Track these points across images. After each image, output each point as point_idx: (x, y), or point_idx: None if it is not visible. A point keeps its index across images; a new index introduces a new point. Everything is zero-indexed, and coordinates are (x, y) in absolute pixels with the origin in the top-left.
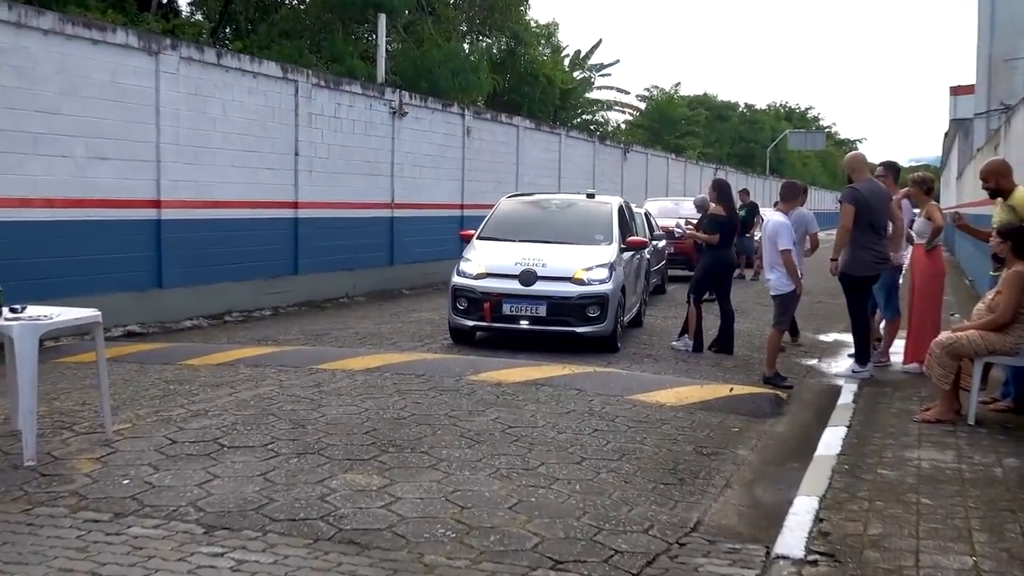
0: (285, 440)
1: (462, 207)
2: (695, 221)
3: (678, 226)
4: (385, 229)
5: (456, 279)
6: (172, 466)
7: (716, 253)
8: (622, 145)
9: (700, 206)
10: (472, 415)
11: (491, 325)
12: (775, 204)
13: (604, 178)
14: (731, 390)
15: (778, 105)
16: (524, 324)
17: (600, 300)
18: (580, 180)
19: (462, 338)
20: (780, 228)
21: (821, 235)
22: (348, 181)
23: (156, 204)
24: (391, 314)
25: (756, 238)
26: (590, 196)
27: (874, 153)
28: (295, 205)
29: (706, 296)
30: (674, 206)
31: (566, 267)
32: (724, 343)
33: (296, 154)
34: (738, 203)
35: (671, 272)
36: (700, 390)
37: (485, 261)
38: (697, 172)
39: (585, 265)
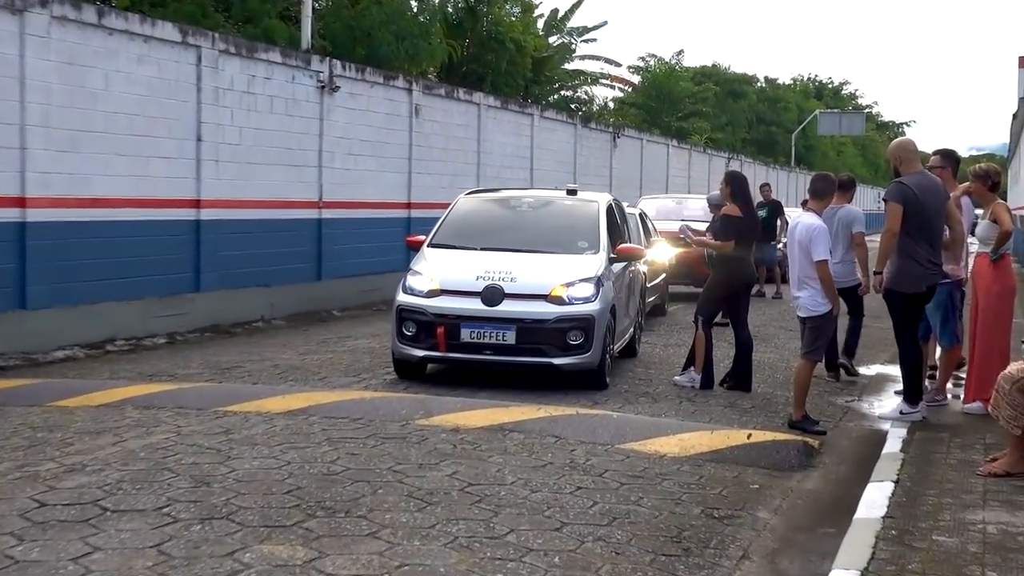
0: (185, 502)
1: (409, 206)
2: (704, 224)
3: (682, 231)
4: (311, 234)
5: (402, 297)
6: (41, 536)
7: (730, 264)
8: (611, 128)
9: (715, 205)
10: (423, 469)
11: (446, 356)
12: (803, 203)
13: (588, 170)
14: (749, 437)
15: (806, 79)
16: (488, 354)
17: (584, 324)
18: (558, 172)
19: (409, 372)
20: (814, 233)
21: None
22: (265, 173)
23: (19, 202)
24: (319, 342)
25: (780, 245)
26: (571, 193)
27: (926, 140)
28: (197, 204)
29: (718, 319)
30: (677, 205)
31: (541, 282)
32: (740, 378)
33: (199, 139)
34: (758, 201)
35: (673, 288)
36: (710, 437)
37: (439, 275)
38: (704, 162)
39: (565, 279)
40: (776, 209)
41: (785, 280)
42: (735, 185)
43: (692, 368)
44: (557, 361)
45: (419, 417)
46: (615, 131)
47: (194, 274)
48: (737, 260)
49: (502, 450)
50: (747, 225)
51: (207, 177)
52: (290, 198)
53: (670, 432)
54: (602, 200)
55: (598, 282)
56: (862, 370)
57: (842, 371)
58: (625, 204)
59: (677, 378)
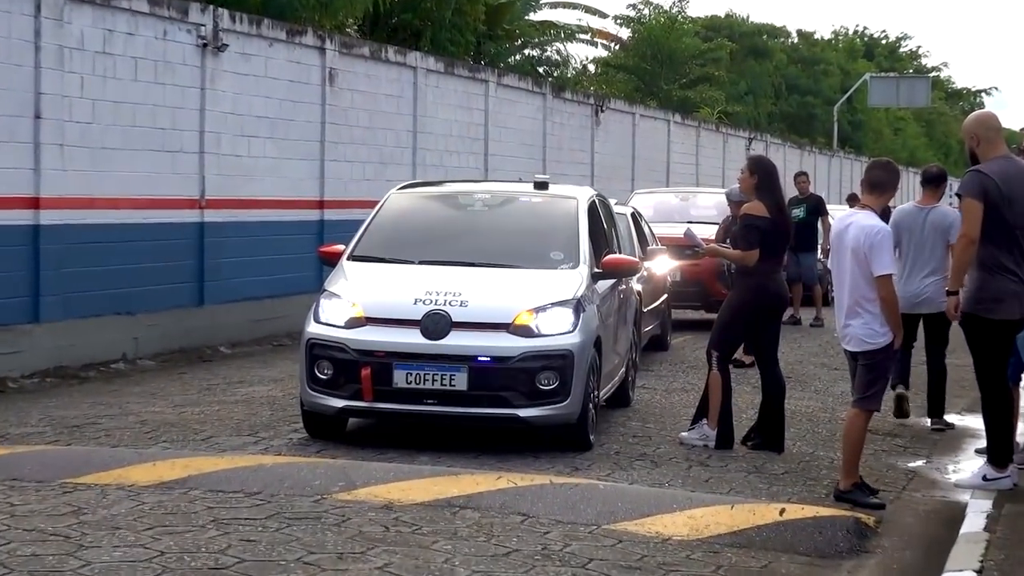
0: None
1: (322, 205)
2: (718, 227)
3: (688, 236)
4: (191, 244)
5: (313, 328)
6: None
7: (754, 281)
8: (592, 100)
9: (735, 202)
10: (344, 561)
11: (373, 407)
12: (849, 199)
13: (562, 155)
14: (782, 513)
15: (851, 34)
16: (430, 404)
17: (559, 362)
18: (522, 159)
19: (324, 429)
20: (876, 238)
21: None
22: (127, 162)
23: None
24: (202, 389)
25: (822, 255)
26: (540, 186)
27: (1012, 114)
28: (35, 204)
29: (738, 355)
30: (682, 203)
31: (501, 307)
32: (769, 433)
33: (37, 117)
34: (791, 197)
35: (679, 314)
36: (730, 514)
37: (363, 298)
38: (718, 144)
39: (533, 303)
40: (816, 207)
41: (828, 302)
42: (761, 174)
43: (705, 421)
44: (524, 413)
45: (338, 490)
46: (598, 103)
47: (31, 299)
48: (763, 275)
49: (451, 534)
50: (777, 228)
51: (48, 168)
52: (161, 195)
53: (676, 507)
54: (582, 196)
55: (577, 306)
56: (930, 422)
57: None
58: (612, 202)
59: (685, 435)
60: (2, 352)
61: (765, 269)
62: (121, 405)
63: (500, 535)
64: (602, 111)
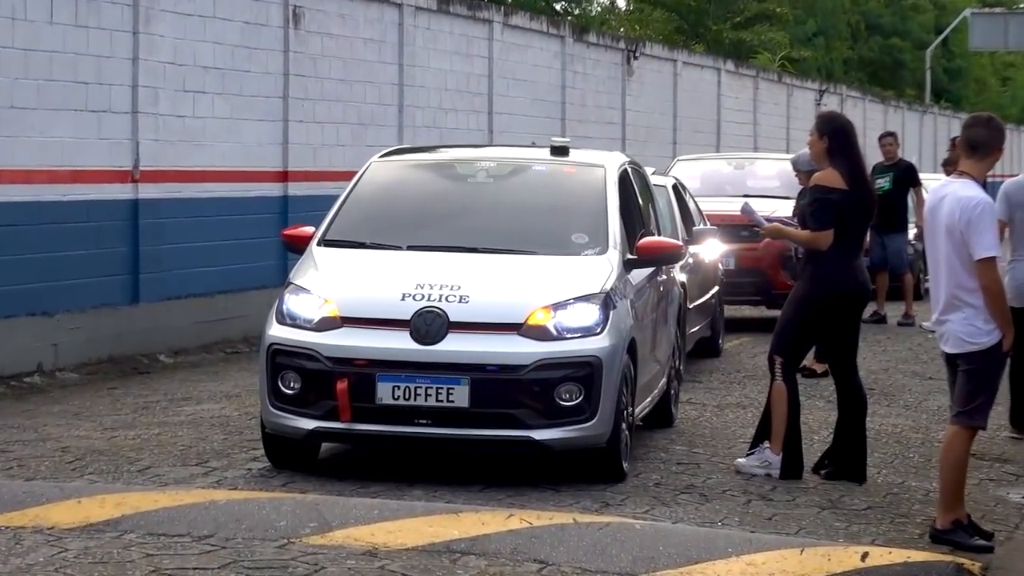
0: None
1: (286, 177)
2: (783, 202)
3: (746, 212)
4: (122, 227)
5: (276, 331)
6: None
7: (827, 269)
8: (622, 44)
9: (805, 172)
10: None
11: (351, 429)
12: (944, 164)
13: (586, 113)
14: (864, 558)
15: None
16: (423, 425)
17: (584, 371)
18: (536, 119)
19: (290, 457)
20: (975, 212)
21: None
22: (41, 125)
23: None
24: (137, 408)
25: (913, 236)
26: (558, 152)
27: None
28: None
29: (808, 361)
30: (736, 172)
31: (510, 302)
32: (847, 458)
33: None
34: (875, 164)
35: (733, 310)
36: (799, 559)
37: (338, 292)
38: (781, 98)
39: (551, 298)
40: (905, 176)
41: (921, 295)
42: (835, 136)
43: (767, 444)
44: (540, 435)
45: (309, 532)
46: (630, 48)
47: None
48: (839, 262)
49: None
50: (855, 202)
51: None
52: (84, 166)
53: (732, 552)
54: (611, 164)
55: (606, 302)
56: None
57: None
58: (649, 171)
59: (743, 461)
60: None
61: (841, 254)
62: (37, 428)
63: None
64: (635, 58)
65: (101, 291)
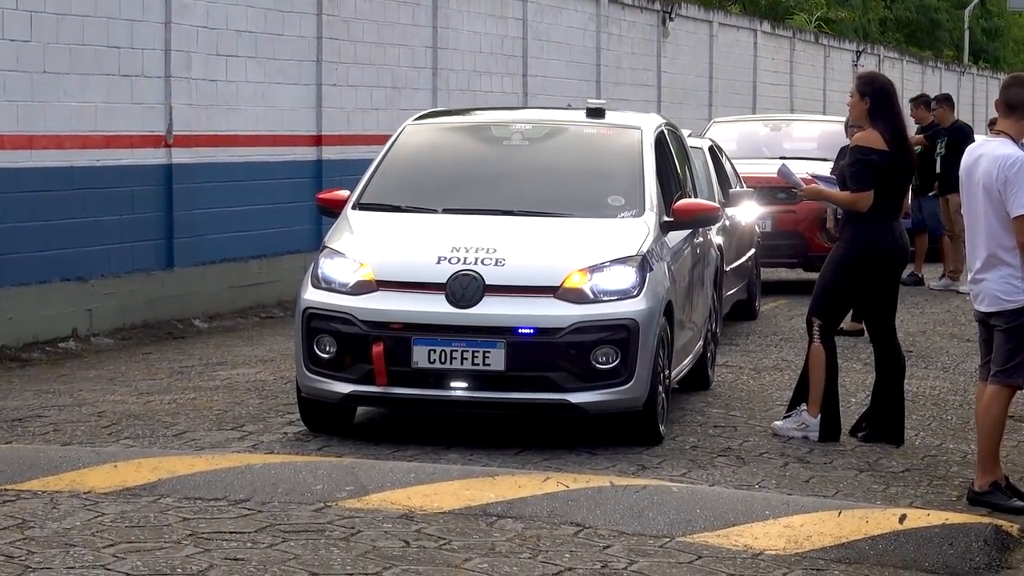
0: None
1: (319, 141)
2: (820, 164)
3: (783, 174)
4: (156, 192)
5: (311, 295)
6: None
7: (867, 231)
8: (658, 5)
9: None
10: None
11: (387, 393)
12: (990, 124)
13: (621, 75)
14: (902, 520)
15: None
16: (460, 389)
17: (620, 334)
18: (570, 81)
19: (326, 421)
20: (1011, 170)
21: None
22: (74, 90)
23: None
24: (172, 373)
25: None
26: (594, 113)
27: None
28: None
29: (846, 324)
30: (773, 133)
31: (547, 265)
32: (885, 421)
33: None
34: (915, 125)
35: (769, 272)
36: (836, 521)
37: (374, 256)
38: (818, 59)
39: (588, 261)
40: (962, 136)
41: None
42: (876, 97)
43: (804, 407)
44: (576, 398)
45: (345, 496)
46: (665, 9)
47: None
48: (879, 223)
49: (487, 549)
50: (896, 164)
51: None
52: (118, 131)
53: (769, 514)
54: (647, 126)
55: (643, 264)
56: None
57: None
58: (685, 133)
59: (780, 424)
60: None
61: (881, 215)
62: (73, 394)
63: (548, 550)
64: (671, 19)
65: (135, 256)
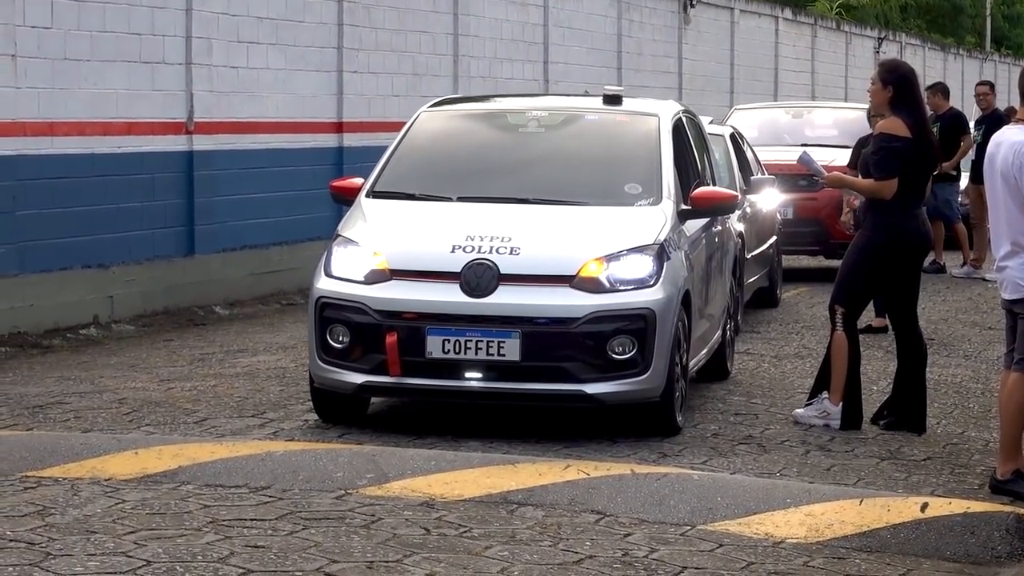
0: None
1: (340, 128)
2: (838, 150)
3: (804, 162)
4: (177, 179)
5: (324, 284)
6: None
7: (889, 219)
8: None
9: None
10: (375, 571)
11: (401, 383)
12: (1009, 112)
13: (642, 63)
14: (923, 508)
15: None
16: (474, 379)
17: (637, 324)
18: (591, 68)
19: (339, 411)
20: None
21: None
22: (96, 77)
23: None
24: (193, 360)
25: (964, 187)
26: (611, 100)
27: None
28: None
29: (870, 321)
30: (794, 120)
31: (562, 255)
32: (906, 409)
33: None
34: (930, 112)
35: (792, 260)
36: (857, 510)
37: (387, 244)
38: (839, 46)
39: (604, 250)
40: (956, 125)
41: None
42: (899, 84)
43: (826, 394)
44: (592, 389)
45: (366, 483)
46: None
47: None
48: (902, 211)
49: (507, 537)
50: (919, 152)
51: None
52: (139, 117)
53: (791, 502)
54: (665, 112)
55: (660, 253)
56: None
57: None
58: (706, 120)
59: (801, 411)
60: None
61: (904, 203)
62: (94, 380)
63: (569, 538)
64: (692, 6)
65: (156, 243)
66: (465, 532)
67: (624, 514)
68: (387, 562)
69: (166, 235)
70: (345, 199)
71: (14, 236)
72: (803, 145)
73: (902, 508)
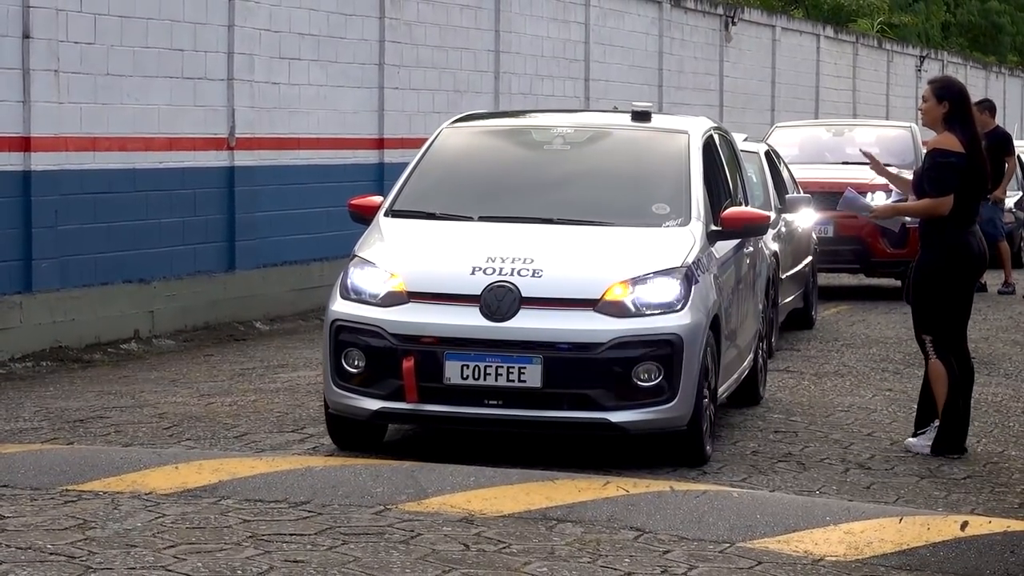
0: None
1: (381, 144)
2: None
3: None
4: (218, 195)
5: (340, 307)
6: None
7: (948, 239)
8: (720, 10)
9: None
10: None
11: (419, 410)
12: None
13: (683, 80)
14: (963, 527)
15: None
16: (493, 406)
17: (664, 350)
18: (632, 86)
19: (355, 438)
20: None
21: None
22: (138, 92)
23: None
24: (234, 374)
25: (1013, 204)
26: (639, 117)
27: None
28: (24, 144)
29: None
30: (835, 139)
31: (587, 277)
32: (948, 429)
33: (26, 36)
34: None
35: (831, 279)
36: (897, 528)
37: (405, 265)
38: (880, 64)
39: (630, 272)
40: (1001, 144)
41: (1022, 263)
42: (954, 100)
43: (936, 423)
44: (616, 417)
45: (405, 499)
46: (728, 14)
47: (22, 263)
48: (959, 229)
49: (546, 553)
50: (972, 168)
51: (40, 100)
52: (180, 133)
53: (830, 520)
54: (695, 130)
55: (688, 276)
56: None
57: None
58: (740, 137)
59: (913, 440)
60: None
61: (961, 221)
62: (134, 395)
63: (608, 555)
64: (734, 24)
65: (197, 258)
66: (504, 548)
67: (663, 531)
68: None
69: (207, 250)
70: (363, 218)
71: (56, 251)
72: (844, 163)
73: (942, 527)
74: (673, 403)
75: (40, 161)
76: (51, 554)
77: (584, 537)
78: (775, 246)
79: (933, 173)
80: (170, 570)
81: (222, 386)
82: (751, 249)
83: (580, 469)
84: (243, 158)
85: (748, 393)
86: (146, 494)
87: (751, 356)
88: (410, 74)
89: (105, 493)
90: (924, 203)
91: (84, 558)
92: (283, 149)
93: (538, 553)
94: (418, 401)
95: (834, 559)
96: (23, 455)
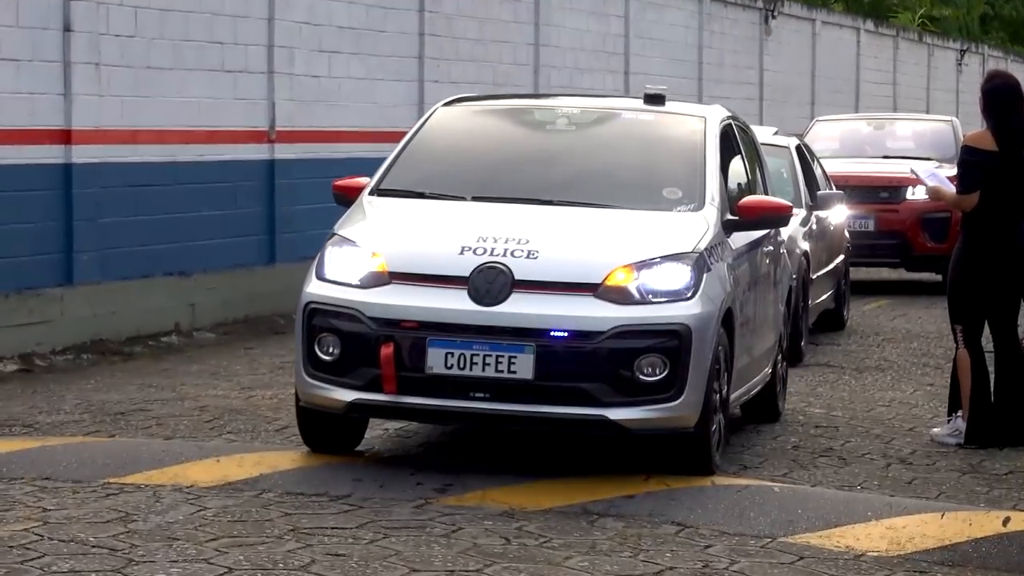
0: None
1: None
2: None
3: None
4: (258, 188)
5: (315, 288)
6: None
7: (981, 233)
8: (760, 4)
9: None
10: None
11: (398, 402)
12: None
13: (723, 73)
14: (1005, 523)
15: None
16: (479, 399)
17: (669, 341)
18: (671, 78)
19: (326, 436)
20: None
21: None
22: (178, 85)
23: None
24: (274, 368)
25: None
26: (653, 100)
27: None
28: (65, 137)
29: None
30: (875, 132)
31: (587, 260)
32: (976, 419)
33: (67, 29)
34: None
35: (871, 273)
36: (939, 524)
37: (388, 244)
38: (921, 58)
39: (635, 256)
40: None
41: None
42: (989, 94)
43: (959, 413)
44: (615, 415)
45: (447, 493)
46: (768, 7)
47: (63, 256)
48: (995, 225)
49: (588, 547)
50: (1005, 165)
51: (81, 92)
52: (221, 126)
53: (872, 516)
54: (712, 116)
55: (699, 262)
56: None
57: None
58: (771, 130)
59: (937, 431)
60: (27, 322)
61: (1000, 216)
62: (175, 387)
63: (650, 549)
64: (774, 17)
65: (237, 251)
66: (545, 542)
67: (704, 525)
68: (467, 571)
69: (247, 243)
70: (349, 200)
71: (97, 243)
72: (884, 157)
73: (984, 522)
74: (679, 401)
75: (81, 154)
76: (93, 547)
77: (625, 531)
78: (806, 245)
79: (960, 169)
80: (212, 563)
81: (263, 379)
82: (772, 249)
83: (616, 464)
84: (283, 151)
85: (765, 408)
86: (187, 487)
87: (769, 367)
88: (449, 67)
89: (147, 486)
90: (951, 196)
91: (126, 551)
92: (323, 142)
93: (579, 547)
94: (397, 392)
95: (876, 554)
96: (65, 448)
